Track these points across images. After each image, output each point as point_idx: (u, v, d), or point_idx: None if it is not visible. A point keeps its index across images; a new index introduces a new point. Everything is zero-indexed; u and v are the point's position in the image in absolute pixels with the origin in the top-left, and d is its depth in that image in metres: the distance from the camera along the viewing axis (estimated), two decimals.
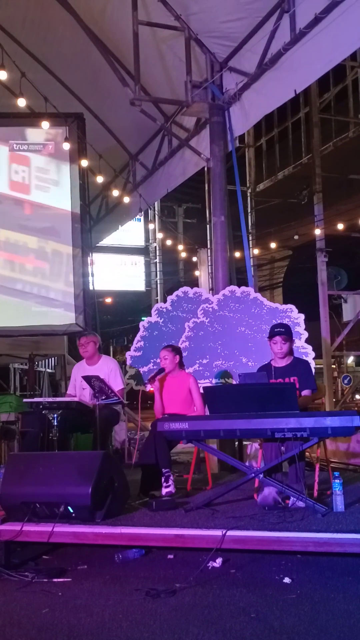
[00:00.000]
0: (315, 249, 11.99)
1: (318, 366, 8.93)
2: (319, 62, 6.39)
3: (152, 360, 6.96)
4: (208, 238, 11.57)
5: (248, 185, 14.00)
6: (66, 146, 9.14)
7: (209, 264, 11.03)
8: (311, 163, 12.30)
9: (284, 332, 5.01)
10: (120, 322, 22.90)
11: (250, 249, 12.29)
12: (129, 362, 7.26)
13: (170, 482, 4.99)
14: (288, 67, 6.80)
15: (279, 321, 6.11)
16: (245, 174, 13.94)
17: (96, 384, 5.32)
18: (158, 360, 5.74)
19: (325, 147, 12.20)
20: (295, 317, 6.37)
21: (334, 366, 16.83)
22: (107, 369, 5.92)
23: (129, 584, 3.66)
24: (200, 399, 5.45)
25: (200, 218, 17.23)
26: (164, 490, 4.95)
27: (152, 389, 5.63)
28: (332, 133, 12.31)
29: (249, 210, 13.70)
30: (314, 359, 6.16)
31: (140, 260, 20.13)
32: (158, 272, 18.34)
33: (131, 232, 18.95)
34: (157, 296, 17.92)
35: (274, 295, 16.15)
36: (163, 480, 4.99)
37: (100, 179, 10.64)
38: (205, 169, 9.08)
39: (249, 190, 13.99)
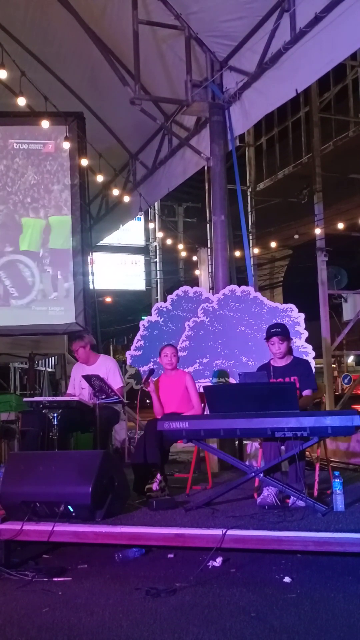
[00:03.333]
0: (316, 249, 11.99)
1: (318, 365, 8.92)
2: (319, 61, 6.39)
3: (152, 360, 6.96)
4: (208, 237, 11.58)
5: (248, 184, 13.99)
6: (66, 145, 9.13)
7: (209, 263, 11.04)
8: (311, 162, 12.29)
9: (280, 332, 5.01)
10: (120, 321, 22.90)
11: (251, 248, 12.28)
12: (129, 361, 7.26)
13: (156, 480, 4.97)
14: (288, 67, 6.80)
15: (278, 320, 6.11)
16: (246, 173, 13.93)
17: (96, 383, 5.32)
18: (158, 360, 5.74)
19: (325, 147, 12.19)
20: (295, 317, 6.37)
21: (334, 365, 16.83)
22: (105, 368, 5.92)
23: (129, 583, 3.66)
24: (197, 396, 5.47)
25: (201, 217, 17.24)
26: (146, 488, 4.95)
27: (147, 389, 5.64)
28: (332, 132, 12.30)
29: (249, 210, 13.69)
30: (314, 358, 6.16)
31: (140, 259, 20.14)
32: (158, 272, 18.34)
33: (131, 231, 18.95)
34: (157, 295, 17.92)
35: (274, 294, 16.16)
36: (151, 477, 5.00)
37: (100, 178, 10.64)
38: (205, 168, 9.08)
39: (249, 190, 13.98)
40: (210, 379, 6.69)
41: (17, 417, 7.18)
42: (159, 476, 4.98)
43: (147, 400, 5.97)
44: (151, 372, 5.59)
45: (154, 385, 5.54)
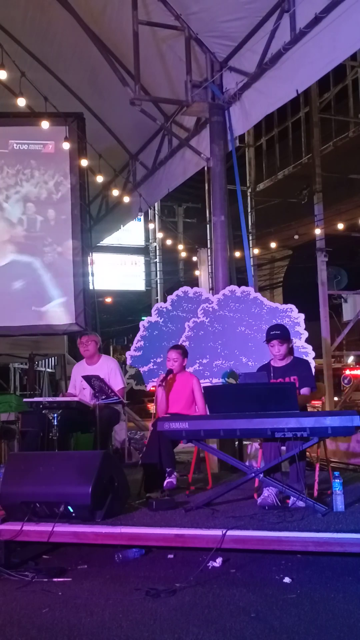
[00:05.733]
0: (315, 249, 11.99)
1: (319, 365, 8.91)
2: (320, 61, 6.39)
3: (152, 360, 6.97)
4: (208, 238, 11.58)
5: (248, 184, 14.00)
6: (66, 146, 9.13)
7: (209, 263, 11.03)
8: (311, 163, 12.30)
9: (279, 334, 5.01)
10: (120, 321, 22.87)
11: (250, 249, 12.29)
12: (129, 361, 7.26)
13: (173, 476, 5.00)
14: (289, 67, 6.81)
15: (278, 321, 6.11)
16: (245, 174, 13.93)
17: (96, 383, 5.32)
18: (158, 360, 5.75)
19: (325, 147, 12.20)
20: (295, 317, 6.37)
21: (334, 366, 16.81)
22: (107, 368, 5.92)
23: (129, 584, 3.66)
24: (203, 400, 5.46)
25: (200, 218, 17.23)
26: (166, 482, 4.96)
27: (152, 388, 5.63)
28: (332, 133, 12.31)
29: (249, 210, 13.69)
30: (314, 358, 6.16)
31: (140, 260, 20.13)
32: (158, 272, 18.33)
33: (131, 231, 18.95)
34: (157, 296, 17.92)
35: (274, 295, 16.15)
36: (167, 475, 5.00)
37: (100, 179, 10.65)
38: (205, 168, 9.09)
39: (249, 190, 13.99)
40: (211, 379, 6.69)
41: (17, 418, 7.18)
42: (175, 474, 5.00)
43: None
44: (169, 372, 5.58)
45: (165, 383, 5.55)
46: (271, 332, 5.06)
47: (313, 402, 5.97)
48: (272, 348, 5.04)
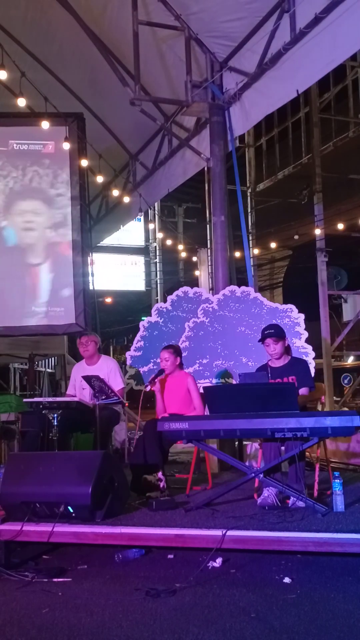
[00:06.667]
0: (315, 249, 11.98)
1: (319, 363, 8.90)
2: (320, 62, 6.39)
3: (152, 360, 6.96)
4: (208, 238, 11.58)
5: (248, 185, 13.98)
6: (66, 146, 9.14)
7: (209, 263, 11.04)
8: (311, 163, 12.29)
9: (273, 333, 5.02)
10: (120, 322, 22.87)
11: (250, 249, 12.28)
12: (129, 362, 7.26)
13: (160, 481, 4.98)
14: (289, 67, 6.80)
15: (278, 321, 6.11)
16: (245, 174, 13.92)
17: (96, 383, 5.32)
18: (158, 360, 5.74)
19: (325, 147, 12.18)
20: (295, 317, 6.37)
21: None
22: (106, 368, 5.92)
23: (129, 584, 3.66)
24: (199, 398, 5.45)
25: (200, 218, 17.23)
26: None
27: (153, 389, 5.62)
28: (332, 133, 12.29)
29: (249, 210, 13.68)
30: (314, 358, 6.16)
31: (140, 260, 20.12)
32: (158, 272, 18.33)
33: (131, 232, 18.94)
34: (157, 296, 17.91)
35: (274, 295, 16.14)
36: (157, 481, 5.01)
37: (100, 179, 10.65)
38: (205, 168, 9.09)
39: (249, 190, 13.98)
40: (211, 379, 6.69)
41: (17, 418, 7.18)
42: (160, 475, 4.99)
43: (148, 404, 5.95)
44: (160, 372, 5.57)
45: (159, 384, 5.53)
46: (265, 332, 5.07)
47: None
48: (268, 347, 5.05)
